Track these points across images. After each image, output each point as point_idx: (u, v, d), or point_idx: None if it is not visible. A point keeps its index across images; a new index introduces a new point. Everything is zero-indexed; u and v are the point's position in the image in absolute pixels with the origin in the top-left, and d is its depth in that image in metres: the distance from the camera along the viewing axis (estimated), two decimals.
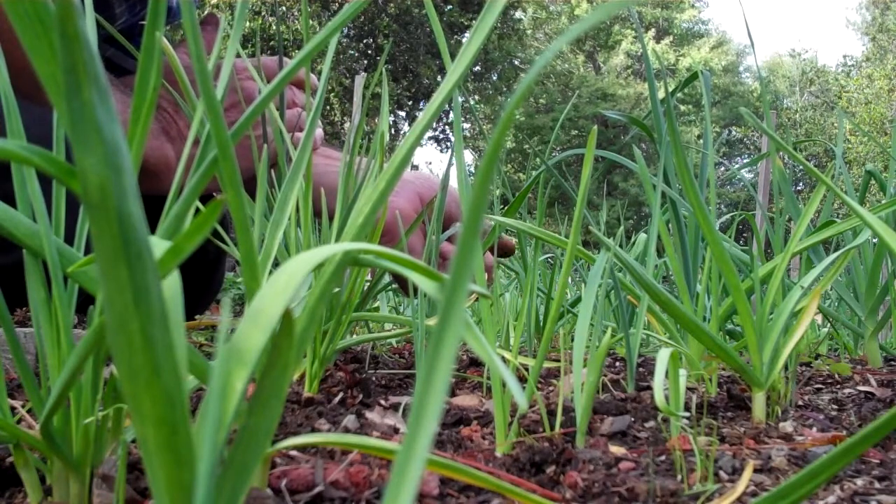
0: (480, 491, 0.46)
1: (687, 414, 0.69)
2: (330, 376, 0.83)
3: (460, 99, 0.63)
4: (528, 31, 21.31)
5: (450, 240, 1.17)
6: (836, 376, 1.06)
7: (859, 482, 0.51)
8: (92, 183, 0.20)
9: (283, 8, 12.82)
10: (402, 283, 1.17)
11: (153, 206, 0.47)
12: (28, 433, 0.39)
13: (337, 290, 0.77)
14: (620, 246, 1.37)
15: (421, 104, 16.14)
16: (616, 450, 0.59)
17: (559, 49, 0.17)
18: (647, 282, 0.72)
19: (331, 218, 0.83)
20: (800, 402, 0.85)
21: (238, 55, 1.01)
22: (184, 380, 0.23)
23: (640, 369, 1.06)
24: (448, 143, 19.68)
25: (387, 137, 0.81)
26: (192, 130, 0.46)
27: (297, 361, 0.74)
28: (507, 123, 0.18)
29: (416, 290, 0.76)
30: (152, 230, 0.35)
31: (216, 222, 0.25)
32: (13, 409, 0.47)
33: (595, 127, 0.62)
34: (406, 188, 1.16)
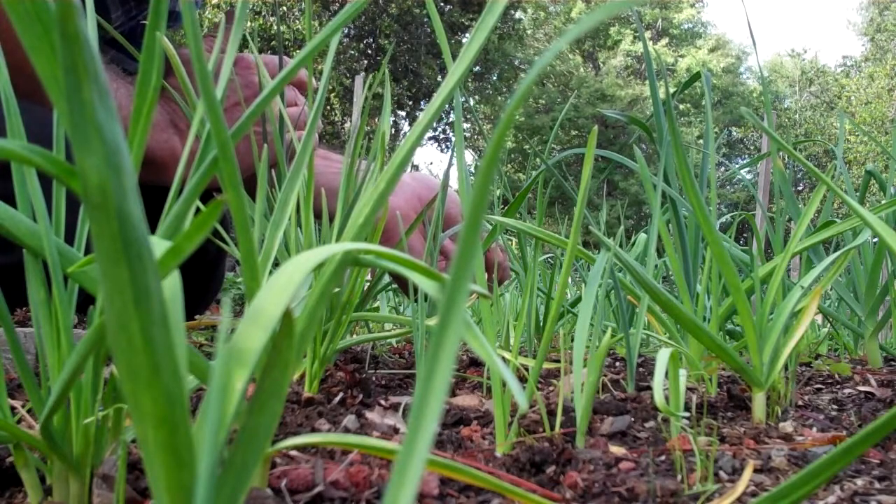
0: (480, 491, 0.46)
1: (687, 414, 0.69)
2: (330, 376, 0.83)
3: (461, 99, 0.63)
4: (528, 32, 21.30)
5: (451, 238, 1.17)
6: (836, 376, 1.06)
7: (859, 482, 0.51)
8: (92, 183, 0.20)
9: (284, 8, 12.82)
10: (401, 284, 1.17)
11: (158, 197, 0.47)
12: (28, 433, 0.39)
13: (337, 290, 0.77)
14: (620, 246, 1.37)
15: (422, 104, 16.13)
16: (616, 450, 0.59)
17: (559, 50, 0.17)
18: (648, 282, 0.72)
19: (331, 218, 0.83)
20: (800, 403, 0.85)
21: (242, 52, 1.01)
22: (184, 380, 0.23)
23: (640, 369, 1.06)
24: (448, 144, 19.68)
25: (387, 137, 0.81)
26: (192, 129, 0.46)
27: (297, 361, 0.74)
28: (507, 124, 0.18)
29: (416, 290, 0.76)
30: (155, 223, 0.35)
31: (216, 222, 0.25)
32: (13, 409, 0.47)
33: (595, 127, 0.62)
34: (405, 189, 1.16)
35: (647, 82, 0.93)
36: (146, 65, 0.38)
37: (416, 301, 0.72)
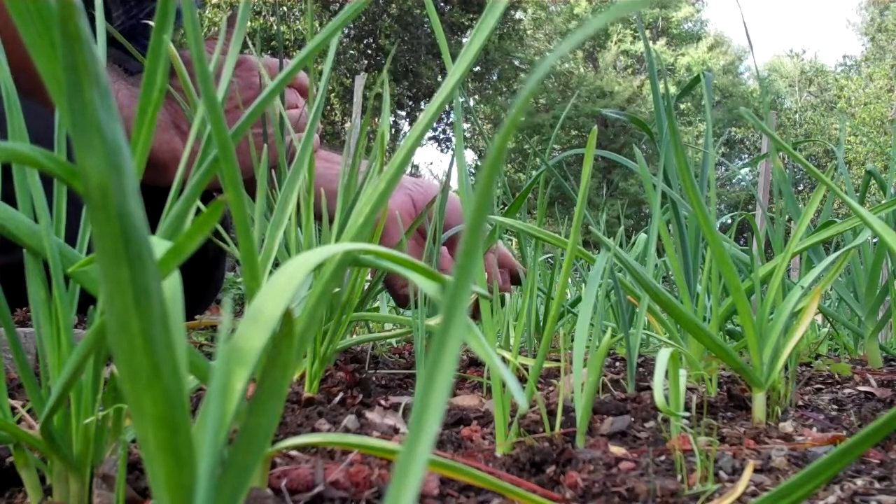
0: (480, 491, 0.46)
1: (687, 414, 0.69)
2: (330, 376, 0.83)
3: (461, 99, 0.63)
4: (528, 32, 21.29)
5: (447, 244, 1.17)
6: (836, 376, 1.06)
7: (859, 482, 0.51)
8: (93, 183, 0.20)
9: (284, 8, 12.82)
10: (393, 290, 1.15)
11: (158, 197, 0.47)
12: (28, 433, 0.39)
13: (337, 290, 0.77)
14: (620, 246, 1.37)
15: (422, 104, 16.12)
16: (616, 450, 0.59)
17: (562, 53, 0.17)
18: (648, 282, 0.72)
19: (331, 220, 0.83)
20: (800, 403, 0.85)
21: (243, 53, 1.01)
22: (184, 380, 0.23)
23: (640, 369, 1.06)
24: (448, 144, 19.69)
25: (387, 138, 0.81)
26: (193, 129, 0.46)
27: (297, 361, 0.74)
28: (509, 129, 0.18)
29: (409, 299, 0.76)
30: (155, 223, 0.35)
31: (216, 222, 0.25)
32: (13, 409, 0.47)
33: (595, 127, 0.62)
34: (399, 192, 1.16)
35: (644, 76, 0.93)
36: (151, 66, 0.38)
37: (415, 304, 0.72)
